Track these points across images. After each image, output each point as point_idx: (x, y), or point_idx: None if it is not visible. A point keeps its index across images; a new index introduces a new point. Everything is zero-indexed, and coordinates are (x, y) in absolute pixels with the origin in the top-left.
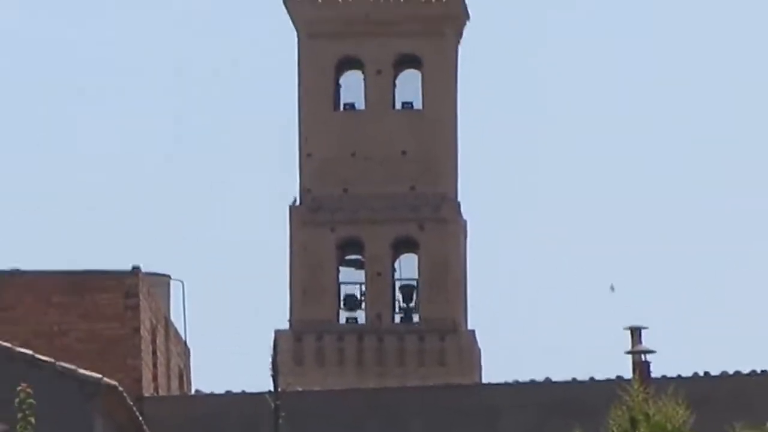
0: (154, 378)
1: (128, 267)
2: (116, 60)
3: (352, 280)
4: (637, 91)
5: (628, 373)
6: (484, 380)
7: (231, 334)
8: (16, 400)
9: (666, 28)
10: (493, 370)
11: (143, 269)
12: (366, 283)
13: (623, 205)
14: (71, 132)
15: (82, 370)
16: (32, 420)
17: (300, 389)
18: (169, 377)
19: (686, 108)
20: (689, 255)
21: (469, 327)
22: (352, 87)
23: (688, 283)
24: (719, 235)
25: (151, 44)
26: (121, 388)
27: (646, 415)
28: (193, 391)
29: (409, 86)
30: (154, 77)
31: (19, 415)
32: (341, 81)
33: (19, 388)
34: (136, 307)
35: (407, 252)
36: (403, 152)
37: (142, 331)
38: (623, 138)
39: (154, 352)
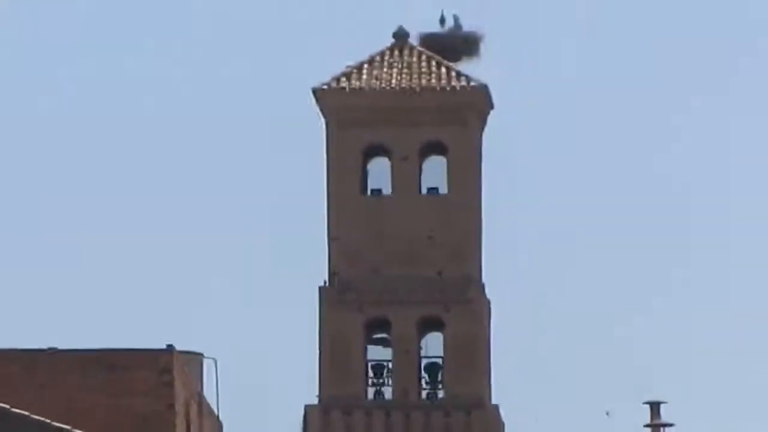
0: None
1: (163, 345)
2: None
3: (380, 357)
4: (652, 174)
5: None
6: None
7: (262, 409)
8: None
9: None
10: None
11: (177, 347)
12: (393, 361)
13: (636, 282)
14: (103, 210)
15: None
16: None
17: None
18: None
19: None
20: (707, 327)
21: (494, 402)
22: (380, 173)
23: (706, 354)
24: (729, 308)
25: (183, 127)
26: None
27: None
28: None
29: (434, 172)
30: (191, 155)
31: None
32: (368, 167)
33: None
34: (170, 384)
35: (433, 331)
36: (430, 236)
37: (176, 407)
38: (633, 211)
39: (188, 428)
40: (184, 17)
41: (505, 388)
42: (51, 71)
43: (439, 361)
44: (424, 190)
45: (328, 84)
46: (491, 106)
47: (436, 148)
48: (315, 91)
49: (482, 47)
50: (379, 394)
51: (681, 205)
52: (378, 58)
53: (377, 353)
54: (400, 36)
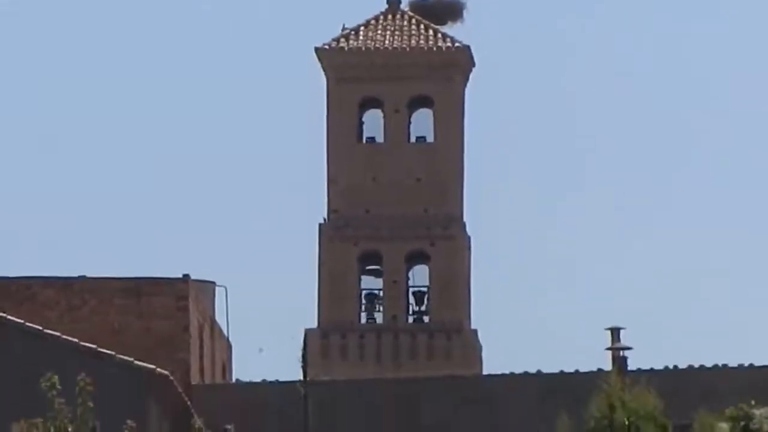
0: (201, 369)
1: (179, 274)
2: (166, 81)
3: (372, 286)
4: (619, 127)
5: (608, 367)
6: (485, 373)
7: (267, 332)
8: (77, 387)
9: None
10: (493, 364)
11: (192, 276)
12: (384, 290)
13: (602, 221)
14: (144, 157)
15: (138, 362)
16: (90, 405)
17: (326, 379)
18: (213, 368)
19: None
20: (662, 263)
21: (472, 327)
22: (374, 123)
23: (661, 287)
24: (685, 245)
25: (199, 79)
26: (171, 377)
27: (623, 402)
28: (234, 380)
29: (422, 123)
30: (206, 107)
31: (79, 400)
32: (364, 118)
33: (79, 377)
34: (185, 309)
35: (419, 263)
36: (417, 179)
37: (190, 330)
38: (598, 161)
39: (201, 347)
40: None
41: (483, 315)
42: None
43: (425, 290)
44: (413, 139)
45: (329, 44)
46: (473, 65)
47: (423, 101)
48: (317, 50)
49: (465, 13)
50: (371, 319)
51: (656, 152)
52: (373, 22)
53: (370, 283)
54: (393, 2)
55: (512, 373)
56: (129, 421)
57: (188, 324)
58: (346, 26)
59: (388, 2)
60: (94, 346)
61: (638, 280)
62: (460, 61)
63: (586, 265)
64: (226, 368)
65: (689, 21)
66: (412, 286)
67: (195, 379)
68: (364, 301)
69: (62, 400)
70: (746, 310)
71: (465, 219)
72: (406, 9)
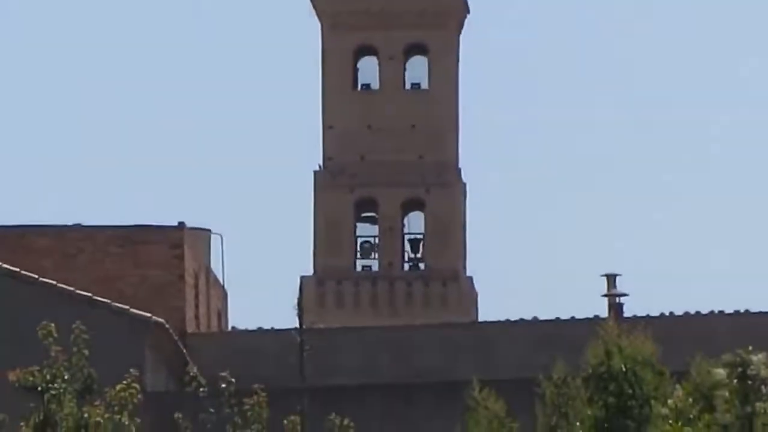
0: (196, 317)
1: (174, 222)
2: (168, 37)
3: (367, 233)
4: (612, 84)
5: (604, 314)
6: (481, 320)
7: (263, 279)
8: (72, 336)
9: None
10: (488, 311)
11: (187, 224)
12: (379, 237)
13: (598, 166)
14: (139, 106)
15: (134, 310)
16: (86, 352)
17: (321, 326)
18: (209, 316)
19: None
20: (658, 210)
21: (468, 274)
22: (369, 71)
23: (657, 234)
24: (681, 192)
25: (194, 28)
26: (167, 325)
27: (620, 348)
28: (229, 328)
29: (417, 70)
30: (202, 55)
31: (74, 349)
32: (359, 65)
33: (74, 325)
34: (181, 257)
35: (415, 210)
36: (413, 126)
37: (186, 278)
38: (595, 104)
39: (196, 295)
40: None
41: (478, 262)
42: None
43: (421, 237)
44: (407, 86)
45: None
46: (467, 12)
47: (418, 48)
48: None
49: None
50: (367, 266)
51: (647, 97)
52: None
53: (366, 230)
54: None
55: (508, 320)
56: (132, 370)
57: (183, 272)
58: None
59: None
60: (89, 294)
61: (634, 226)
62: (455, 8)
63: (583, 212)
64: (222, 316)
65: None
66: (408, 233)
67: (190, 327)
68: (359, 249)
69: (59, 348)
70: (742, 256)
71: (460, 166)
72: None
